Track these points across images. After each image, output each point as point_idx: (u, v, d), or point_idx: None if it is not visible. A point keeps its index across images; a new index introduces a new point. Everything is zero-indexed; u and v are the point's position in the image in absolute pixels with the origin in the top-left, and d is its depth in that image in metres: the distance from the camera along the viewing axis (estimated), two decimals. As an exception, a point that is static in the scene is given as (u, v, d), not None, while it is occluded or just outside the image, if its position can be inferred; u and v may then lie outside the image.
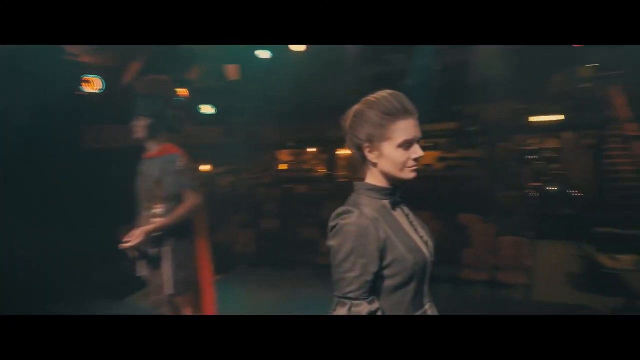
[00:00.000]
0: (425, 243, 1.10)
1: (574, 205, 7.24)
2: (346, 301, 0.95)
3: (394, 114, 1.04)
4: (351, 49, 7.49)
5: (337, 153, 10.85)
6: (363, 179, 1.12)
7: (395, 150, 1.04)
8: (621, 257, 4.44)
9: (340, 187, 9.47)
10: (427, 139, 9.50)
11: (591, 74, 8.17)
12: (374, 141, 1.06)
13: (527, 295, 4.16)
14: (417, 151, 1.05)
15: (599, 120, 7.50)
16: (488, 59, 7.23)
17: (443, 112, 8.62)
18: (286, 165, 11.97)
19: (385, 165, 1.06)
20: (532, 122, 8.26)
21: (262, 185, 9.52)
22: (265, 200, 7.25)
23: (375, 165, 1.08)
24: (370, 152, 1.07)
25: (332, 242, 1.01)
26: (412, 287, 1.03)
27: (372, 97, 1.09)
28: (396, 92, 1.07)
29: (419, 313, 1.06)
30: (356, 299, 0.95)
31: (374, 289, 0.99)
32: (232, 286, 4.66)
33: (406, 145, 1.04)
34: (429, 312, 1.10)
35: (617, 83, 7.60)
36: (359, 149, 1.09)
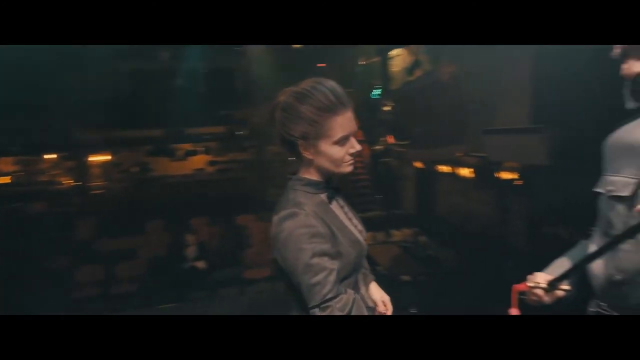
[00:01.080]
0: (360, 232, 1.09)
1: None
2: (328, 304, 0.90)
3: (331, 110, 0.95)
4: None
5: (88, 159, 9.01)
6: (294, 173, 1.06)
7: (332, 147, 0.97)
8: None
9: (95, 200, 7.94)
10: (197, 143, 9.31)
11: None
12: (309, 138, 0.97)
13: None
14: (354, 145, 1.00)
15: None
16: (255, 62, 7.67)
17: (212, 115, 8.59)
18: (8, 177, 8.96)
19: (322, 162, 1.00)
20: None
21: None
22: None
23: (310, 161, 1.01)
24: (305, 149, 0.99)
25: (284, 254, 0.94)
26: (352, 277, 1.04)
27: (303, 89, 0.98)
28: (330, 82, 0.98)
29: None
30: (335, 296, 0.91)
31: None
32: None
33: (343, 140, 0.98)
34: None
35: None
36: (292, 145, 1.00)
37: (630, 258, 0.89)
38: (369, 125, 7.63)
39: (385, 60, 7.44)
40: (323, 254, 0.92)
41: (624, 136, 1.02)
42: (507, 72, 3.54)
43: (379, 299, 1.19)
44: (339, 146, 0.99)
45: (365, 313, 0.97)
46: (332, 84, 0.98)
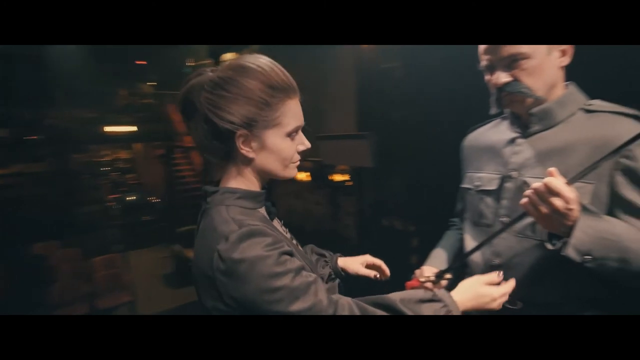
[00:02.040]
0: (296, 247, 0.92)
1: (154, 210, 7.79)
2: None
3: (284, 91, 0.77)
4: None
5: None
6: (217, 183, 0.83)
7: (283, 141, 0.79)
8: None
9: None
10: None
11: (151, 91, 9.03)
12: (253, 127, 0.76)
13: (131, 310, 3.94)
14: (304, 141, 0.83)
15: (165, 132, 8.41)
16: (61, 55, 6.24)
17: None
18: None
19: (266, 161, 0.80)
20: (105, 132, 8.01)
21: None
22: None
23: (248, 161, 0.80)
24: (246, 143, 0.78)
25: (249, 290, 0.67)
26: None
27: (244, 62, 0.76)
28: (273, 61, 0.78)
29: None
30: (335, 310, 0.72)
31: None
32: None
33: (294, 133, 0.80)
34: None
35: (172, 102, 8.85)
36: (226, 137, 0.76)
37: (505, 243, 0.99)
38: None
39: (218, 63, 7.19)
40: (298, 270, 0.72)
41: (482, 137, 1.16)
42: (334, 80, 3.87)
43: (365, 272, 1.07)
44: (290, 140, 0.80)
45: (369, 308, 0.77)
46: (276, 63, 0.79)
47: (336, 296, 0.74)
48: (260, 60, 0.76)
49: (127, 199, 8.03)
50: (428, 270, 1.05)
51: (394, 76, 2.78)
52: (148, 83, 9.03)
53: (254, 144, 0.77)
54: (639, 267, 0.81)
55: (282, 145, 0.78)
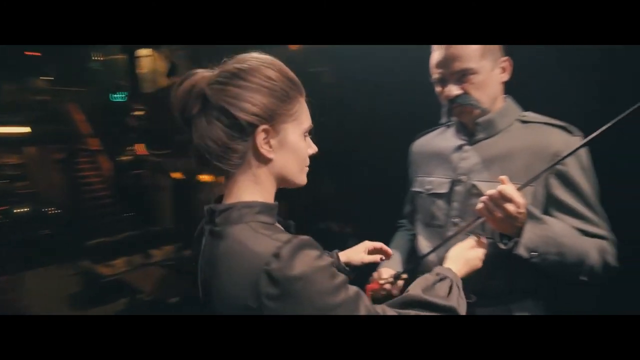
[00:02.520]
0: None
1: (53, 223, 6.84)
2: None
3: (299, 89, 0.74)
4: None
5: None
6: (220, 199, 0.75)
7: (301, 138, 0.75)
8: (115, 262, 4.76)
9: None
10: None
11: (47, 86, 7.95)
12: (275, 120, 0.70)
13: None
14: (312, 145, 0.79)
15: (65, 134, 7.46)
16: None
17: None
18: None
19: (286, 161, 0.73)
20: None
21: None
22: None
23: (265, 164, 0.72)
24: (267, 139, 0.70)
25: (317, 306, 0.60)
26: None
27: (258, 55, 0.72)
28: None
29: None
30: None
31: None
32: None
33: (306, 134, 0.77)
34: None
35: (74, 100, 7.88)
36: (247, 133, 0.69)
37: (457, 241, 1.04)
38: (111, 132, 6.55)
39: (133, 60, 6.58)
40: (346, 279, 0.67)
41: (430, 144, 1.25)
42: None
43: (371, 258, 1.04)
44: (304, 141, 0.75)
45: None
46: None
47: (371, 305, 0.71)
48: (265, 57, 0.73)
49: (16, 211, 6.93)
50: (385, 272, 1.10)
51: (322, 80, 2.84)
52: (42, 77, 7.92)
53: (273, 142, 0.71)
54: (572, 259, 0.95)
55: (301, 144, 0.74)
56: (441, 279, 0.81)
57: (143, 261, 4.99)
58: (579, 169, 1.01)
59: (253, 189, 0.72)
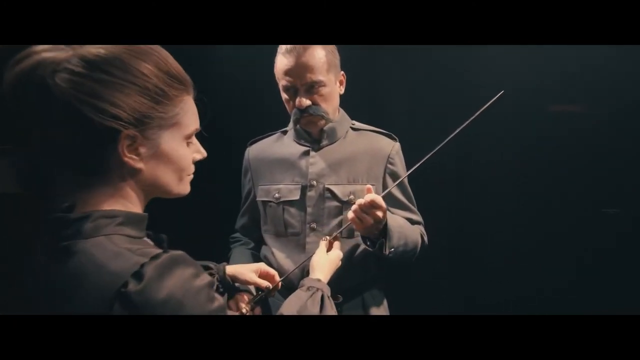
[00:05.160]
0: None
1: None
2: None
3: (184, 84, 0.62)
4: None
5: None
6: (71, 208, 0.56)
7: (181, 146, 0.63)
8: None
9: None
10: None
11: None
12: (147, 124, 0.56)
13: None
14: (200, 149, 0.68)
15: None
16: None
17: None
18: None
19: (159, 172, 0.61)
20: None
21: None
22: None
23: (131, 174, 0.58)
24: (133, 147, 0.57)
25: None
26: None
27: (136, 47, 0.56)
28: None
29: None
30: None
31: None
32: None
33: (190, 138, 0.65)
34: None
35: None
36: (103, 138, 0.54)
37: (316, 247, 1.02)
38: None
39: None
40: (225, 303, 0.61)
41: (269, 151, 1.26)
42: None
43: (258, 282, 0.95)
44: (187, 146, 0.64)
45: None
46: None
47: None
48: (154, 47, 0.59)
49: None
50: (241, 299, 0.99)
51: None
52: None
53: (143, 150, 0.57)
54: (411, 246, 1.12)
55: (181, 151, 0.62)
56: (312, 294, 0.83)
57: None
58: (402, 168, 1.22)
59: (114, 198, 0.58)
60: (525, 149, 1.70)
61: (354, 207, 0.97)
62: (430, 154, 1.01)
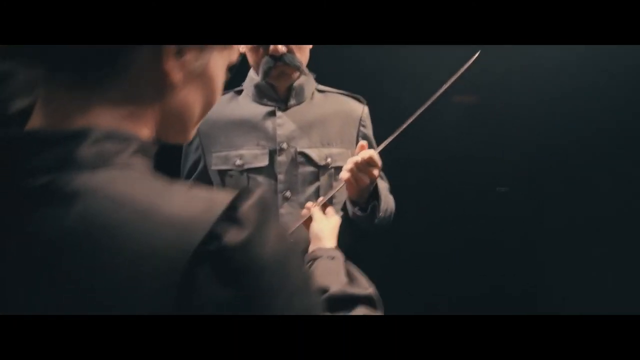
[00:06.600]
0: None
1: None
2: None
3: None
4: None
5: None
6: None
7: (221, 75, 0.54)
8: None
9: None
10: None
11: None
12: None
13: None
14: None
15: None
16: None
17: None
18: None
19: (191, 100, 0.54)
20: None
21: None
22: None
23: (161, 91, 0.45)
24: (181, 53, 0.44)
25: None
26: None
27: None
28: None
29: None
30: None
31: None
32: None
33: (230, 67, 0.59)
34: None
35: None
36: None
37: (292, 217, 0.98)
38: None
39: None
40: None
41: (222, 113, 1.06)
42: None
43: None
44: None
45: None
46: None
47: None
48: None
49: None
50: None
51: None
52: None
53: (190, 62, 0.42)
54: (389, 209, 1.04)
55: (220, 84, 0.47)
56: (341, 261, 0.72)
57: None
58: (371, 131, 1.14)
59: (124, 119, 0.38)
60: (524, 148, 1.70)
61: (348, 166, 0.87)
62: (414, 116, 0.89)
